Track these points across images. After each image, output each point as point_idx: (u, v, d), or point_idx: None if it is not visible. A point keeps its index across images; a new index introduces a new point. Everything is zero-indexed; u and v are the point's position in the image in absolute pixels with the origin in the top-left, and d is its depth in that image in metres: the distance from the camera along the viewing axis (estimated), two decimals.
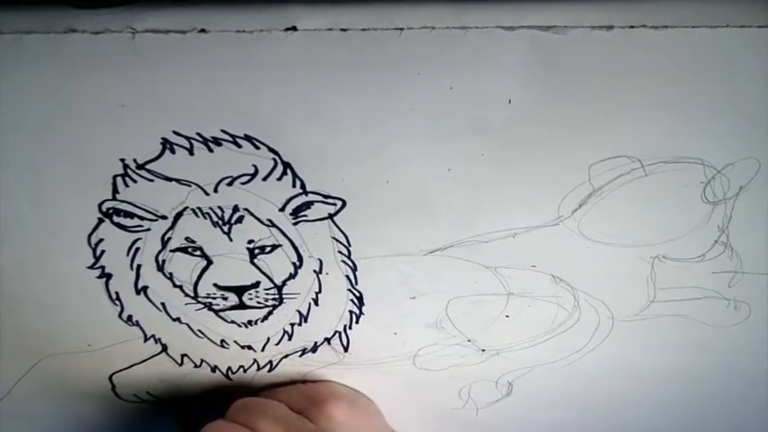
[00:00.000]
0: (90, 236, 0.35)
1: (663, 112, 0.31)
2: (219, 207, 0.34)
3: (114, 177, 0.32)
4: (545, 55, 0.29)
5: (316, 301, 0.38)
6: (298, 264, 0.36)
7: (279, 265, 0.36)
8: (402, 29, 0.29)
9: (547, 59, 0.29)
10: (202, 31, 0.29)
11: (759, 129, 0.32)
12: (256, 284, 0.37)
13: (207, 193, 0.33)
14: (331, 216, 0.34)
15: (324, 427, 0.38)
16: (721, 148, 0.32)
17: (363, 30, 0.29)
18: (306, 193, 0.33)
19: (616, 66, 0.30)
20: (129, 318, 0.38)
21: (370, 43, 0.29)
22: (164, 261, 0.36)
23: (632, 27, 0.29)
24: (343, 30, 0.29)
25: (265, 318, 0.38)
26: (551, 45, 0.29)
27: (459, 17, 0.29)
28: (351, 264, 0.36)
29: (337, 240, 0.35)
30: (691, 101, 0.31)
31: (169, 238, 0.35)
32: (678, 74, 0.30)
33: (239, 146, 0.32)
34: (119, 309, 0.38)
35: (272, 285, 0.37)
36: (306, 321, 0.39)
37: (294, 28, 0.29)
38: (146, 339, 0.39)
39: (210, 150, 0.32)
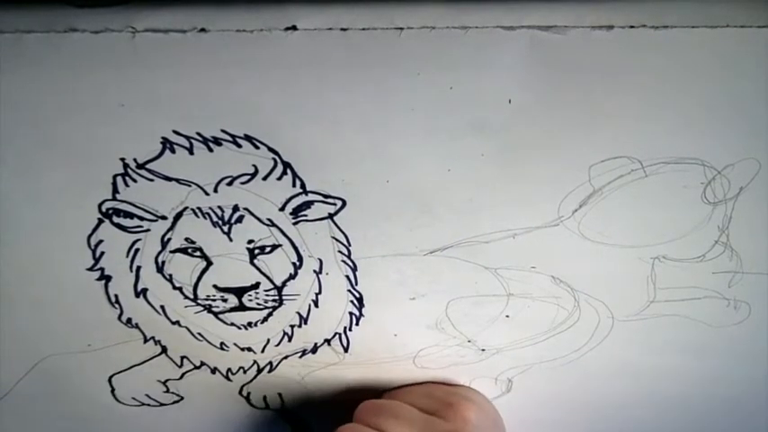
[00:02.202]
0: (90, 237, 0.35)
1: (663, 113, 0.31)
2: (219, 207, 0.34)
3: (114, 177, 0.32)
4: (545, 55, 0.29)
5: (316, 303, 0.38)
6: (298, 264, 0.36)
7: (279, 265, 0.36)
8: (402, 28, 0.29)
9: (547, 59, 0.29)
10: (202, 30, 0.29)
11: (759, 129, 0.32)
12: (256, 285, 0.37)
13: (207, 193, 0.33)
14: (331, 216, 0.34)
15: (460, 427, 0.38)
16: (721, 148, 0.32)
17: (363, 29, 0.29)
18: (306, 192, 0.33)
19: (616, 66, 0.30)
20: (129, 320, 0.38)
21: (371, 43, 0.29)
22: (163, 262, 0.36)
23: (632, 27, 0.29)
24: (343, 29, 0.29)
25: (265, 319, 0.38)
26: (551, 45, 0.29)
27: (459, 17, 0.29)
28: (351, 264, 0.36)
29: (337, 240, 0.35)
30: (691, 101, 0.31)
31: (169, 239, 0.35)
32: (678, 74, 0.30)
33: (239, 146, 0.32)
34: (118, 311, 0.38)
35: (271, 286, 0.37)
36: (306, 323, 0.39)
37: (294, 27, 0.29)
38: (145, 341, 0.39)
39: (210, 150, 0.32)
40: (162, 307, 0.38)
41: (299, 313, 0.38)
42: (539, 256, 0.36)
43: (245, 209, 0.34)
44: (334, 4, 0.29)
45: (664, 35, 0.29)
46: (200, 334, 0.39)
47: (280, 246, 0.35)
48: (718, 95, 0.31)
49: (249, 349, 0.40)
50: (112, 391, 0.42)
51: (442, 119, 0.31)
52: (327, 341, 0.40)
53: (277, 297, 0.37)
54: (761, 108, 0.31)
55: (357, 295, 0.37)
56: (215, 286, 0.37)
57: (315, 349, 0.40)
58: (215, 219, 0.34)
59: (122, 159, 0.32)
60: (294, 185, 0.33)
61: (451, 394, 0.41)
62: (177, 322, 0.38)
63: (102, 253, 0.35)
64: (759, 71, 0.30)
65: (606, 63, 0.29)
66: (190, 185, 0.33)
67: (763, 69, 0.30)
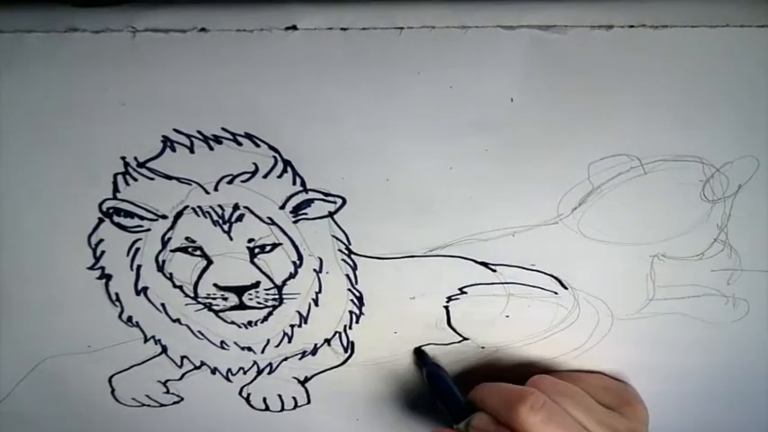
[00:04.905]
0: (90, 236, 0.35)
1: (662, 111, 0.31)
2: (220, 205, 0.34)
3: (115, 176, 0.32)
4: (545, 54, 0.29)
5: (316, 302, 0.38)
6: (298, 263, 0.36)
7: (279, 264, 0.36)
8: (402, 28, 0.29)
9: (546, 59, 0.29)
10: (203, 30, 0.29)
11: (758, 127, 0.32)
12: (256, 284, 0.37)
13: (207, 192, 0.33)
14: (331, 214, 0.34)
15: (638, 428, 0.36)
16: (720, 146, 0.32)
17: (364, 29, 0.29)
18: (306, 190, 0.33)
19: (616, 65, 0.30)
20: (129, 318, 0.38)
21: (371, 42, 0.29)
22: (164, 261, 0.36)
23: (632, 26, 0.29)
24: (343, 29, 0.29)
25: (265, 318, 0.38)
26: (551, 44, 0.29)
27: (459, 16, 0.29)
28: (351, 262, 0.36)
29: (337, 239, 0.35)
30: (690, 99, 0.31)
31: (169, 239, 0.35)
32: (677, 73, 0.30)
33: (240, 144, 0.32)
34: (119, 310, 0.38)
35: (272, 285, 0.37)
36: (306, 322, 0.39)
37: (294, 27, 0.29)
38: (146, 340, 0.39)
39: (211, 148, 0.32)
40: (162, 305, 0.38)
41: (299, 312, 0.38)
42: (538, 255, 0.36)
43: (246, 207, 0.34)
44: (334, 3, 0.29)
45: (663, 35, 0.29)
46: (200, 332, 0.39)
47: (280, 244, 0.35)
48: (717, 94, 0.31)
49: (249, 349, 0.40)
50: (112, 391, 0.42)
51: (442, 118, 0.31)
52: (327, 341, 0.40)
53: (277, 296, 0.37)
54: (759, 106, 0.31)
55: (357, 294, 0.37)
56: (215, 285, 0.37)
57: (315, 351, 0.40)
58: (215, 217, 0.34)
59: (123, 158, 0.32)
60: (294, 183, 0.33)
61: (626, 391, 0.40)
62: (178, 320, 0.38)
63: (103, 252, 0.35)
64: (758, 70, 0.30)
65: (606, 62, 0.30)
66: (190, 184, 0.33)
67: (762, 68, 0.30)
